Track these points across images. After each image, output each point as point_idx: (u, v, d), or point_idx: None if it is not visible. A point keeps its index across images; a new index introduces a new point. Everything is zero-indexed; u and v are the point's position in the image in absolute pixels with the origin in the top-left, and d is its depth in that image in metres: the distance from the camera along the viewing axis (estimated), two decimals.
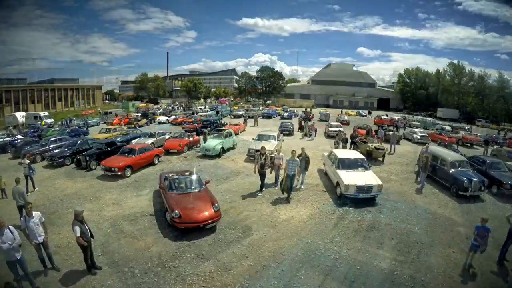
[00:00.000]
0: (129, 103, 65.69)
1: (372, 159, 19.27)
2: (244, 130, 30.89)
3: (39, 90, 75.76)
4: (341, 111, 58.19)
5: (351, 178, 12.35)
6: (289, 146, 22.78)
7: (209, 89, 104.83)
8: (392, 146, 23.19)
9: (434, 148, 16.73)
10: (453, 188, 13.91)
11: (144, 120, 37.12)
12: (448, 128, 44.60)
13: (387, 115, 49.94)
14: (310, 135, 27.69)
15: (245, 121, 33.76)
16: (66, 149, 19.47)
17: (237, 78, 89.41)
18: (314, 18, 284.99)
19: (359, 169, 13.44)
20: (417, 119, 50.14)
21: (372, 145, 19.99)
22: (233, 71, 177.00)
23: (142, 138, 22.63)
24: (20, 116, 45.92)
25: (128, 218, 10.98)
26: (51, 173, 17.11)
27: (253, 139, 20.48)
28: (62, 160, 18.24)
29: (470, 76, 79.03)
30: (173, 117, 40.46)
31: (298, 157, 12.91)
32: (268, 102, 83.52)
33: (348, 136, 23.17)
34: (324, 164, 16.41)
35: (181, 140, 21.41)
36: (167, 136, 23.82)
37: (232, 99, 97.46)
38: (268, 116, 44.71)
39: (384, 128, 30.24)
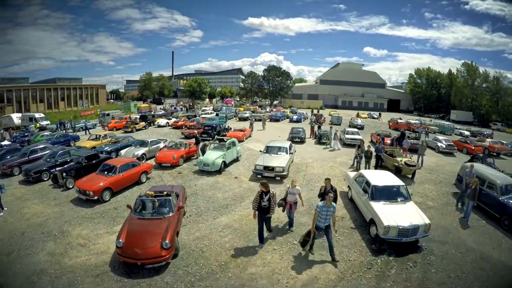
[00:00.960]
0: (131, 103, 62.87)
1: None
2: (250, 136, 27.81)
3: (42, 90, 73.67)
4: (357, 114, 54.70)
5: (391, 216, 9.16)
6: (302, 159, 19.80)
7: (214, 89, 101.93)
8: (420, 158, 19.97)
9: (476, 166, 13.48)
10: (505, 220, 10.92)
11: (142, 123, 34.22)
12: (467, 133, 41.08)
13: (401, 119, 46.44)
14: (338, 149, 23.51)
15: (251, 125, 30.66)
16: (44, 162, 16.71)
17: (243, 77, 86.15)
18: (320, 17, 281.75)
19: (399, 200, 10.22)
20: (435, 123, 46.08)
21: (401, 160, 16.76)
22: (239, 70, 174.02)
23: (132, 147, 19.65)
24: (16, 117, 43.51)
25: (92, 272, 8.01)
26: (24, 191, 14.32)
27: (260, 151, 17.32)
28: (38, 175, 15.49)
29: (484, 77, 74.84)
30: (173, 119, 37.46)
31: (324, 192, 9.71)
32: (275, 102, 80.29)
33: (366, 146, 19.96)
34: (349, 187, 13.25)
35: (177, 151, 18.37)
36: (161, 145, 20.83)
37: (238, 99, 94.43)
38: (276, 119, 41.66)
39: (406, 135, 26.97)
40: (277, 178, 14.68)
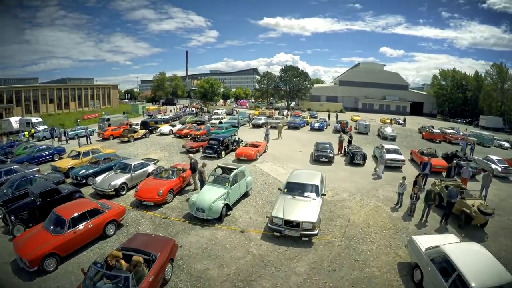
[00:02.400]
0: (138, 105, 58.81)
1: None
2: (265, 151, 22.74)
3: (52, 90, 71.03)
4: (391, 121, 47.75)
5: None
6: (334, 192, 14.51)
7: (229, 90, 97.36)
8: (484, 191, 14.62)
9: None
10: None
11: (142, 131, 29.67)
12: (506, 144, 34.41)
13: (433, 127, 39.88)
14: (380, 176, 17.81)
15: (266, 136, 25.53)
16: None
17: (259, 78, 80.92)
18: (336, 17, 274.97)
19: None
20: (472, 133, 38.54)
21: (474, 204, 11.33)
22: (254, 70, 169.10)
23: (112, 173, 14.93)
24: (14, 121, 40.05)
25: None
26: None
27: (279, 189, 12.08)
28: None
29: None
30: (178, 126, 32.76)
31: None
32: (292, 104, 74.75)
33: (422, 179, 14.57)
34: (416, 266, 8.03)
35: (165, 182, 13.47)
36: (150, 169, 16.04)
37: (253, 101, 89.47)
38: (294, 127, 35.52)
39: (456, 156, 21.23)
40: (304, 238, 9.62)
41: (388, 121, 50.10)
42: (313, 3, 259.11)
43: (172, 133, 30.56)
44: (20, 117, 42.98)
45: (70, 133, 32.08)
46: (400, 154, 20.06)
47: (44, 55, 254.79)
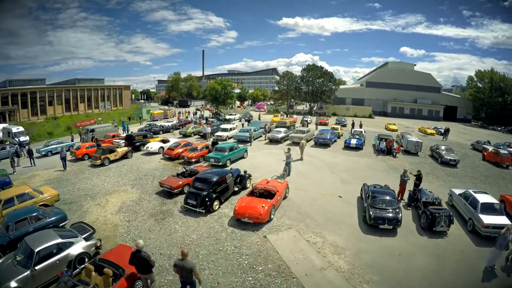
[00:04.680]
0: (142, 109, 51.44)
1: None
2: (286, 197, 13.98)
3: (59, 91, 65.50)
4: (444, 135, 36.41)
5: None
6: None
7: (245, 91, 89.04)
8: None
9: None
10: None
11: (123, 150, 21.94)
12: None
13: (489, 142, 29.92)
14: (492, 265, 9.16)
15: (287, 166, 16.88)
16: None
17: (278, 78, 71.97)
18: (355, 17, 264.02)
19: None
20: None
21: None
22: (274, 70, 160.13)
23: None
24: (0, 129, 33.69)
25: None
26: None
27: None
28: None
29: None
30: (172, 141, 24.60)
31: None
32: (314, 108, 65.39)
33: None
34: None
35: None
36: (74, 250, 8.12)
37: (272, 103, 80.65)
38: (323, 143, 25.58)
39: None
40: None
41: (430, 131, 40.06)
42: (332, 3, 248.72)
43: (163, 151, 22.62)
44: (5, 125, 36.48)
45: (42, 149, 25.11)
46: (503, 212, 11.18)
47: (67, 56, 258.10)
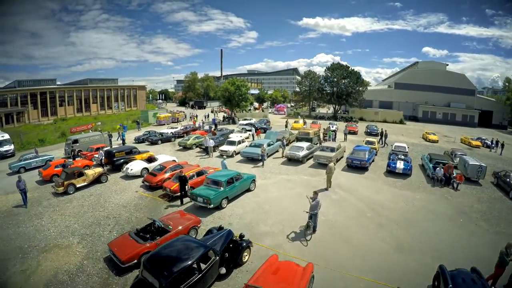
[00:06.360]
0: (148, 112, 46.52)
1: None
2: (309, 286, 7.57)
3: (70, 92, 62.50)
4: (493, 147, 30.67)
5: None
6: None
7: (264, 92, 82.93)
8: None
9: None
10: None
11: (96, 171, 16.69)
12: None
13: None
14: None
15: (312, 220, 10.62)
16: None
17: (299, 78, 65.34)
18: (376, 16, 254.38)
19: None
20: None
21: None
22: (294, 70, 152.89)
23: None
24: None
25: None
26: None
27: None
28: None
29: None
30: (163, 159, 18.97)
31: None
32: (340, 111, 58.25)
33: None
34: None
35: None
36: None
37: (292, 105, 74.06)
38: (359, 166, 18.80)
39: None
40: None
41: (475, 142, 32.38)
42: (352, 2, 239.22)
43: (147, 172, 17.13)
44: None
45: (14, 164, 20.54)
46: None
47: (89, 56, 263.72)
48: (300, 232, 10.62)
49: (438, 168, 17.35)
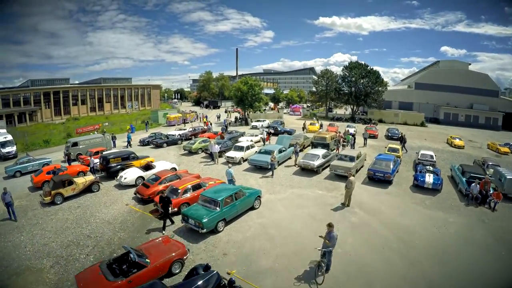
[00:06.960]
0: (158, 112, 45.22)
1: None
2: None
3: (84, 91, 62.54)
4: (495, 147, 28.82)
5: None
6: None
7: (280, 91, 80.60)
8: None
9: None
10: None
11: (87, 180, 15.05)
12: None
13: None
14: None
15: (325, 263, 8.23)
16: None
17: (316, 78, 62.66)
18: (393, 15, 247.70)
19: None
20: None
21: None
22: (311, 70, 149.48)
23: None
24: None
25: None
26: None
27: None
28: None
29: None
30: (161, 167, 17.15)
31: None
32: (358, 112, 55.21)
33: None
34: None
35: None
36: None
37: (309, 105, 71.41)
38: (382, 179, 16.19)
39: None
40: None
41: (504, 149, 28.86)
42: (369, 1, 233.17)
43: (141, 182, 15.43)
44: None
45: (9, 168, 19.55)
46: None
47: (106, 56, 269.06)
48: (310, 271, 8.48)
49: (473, 184, 14.65)
